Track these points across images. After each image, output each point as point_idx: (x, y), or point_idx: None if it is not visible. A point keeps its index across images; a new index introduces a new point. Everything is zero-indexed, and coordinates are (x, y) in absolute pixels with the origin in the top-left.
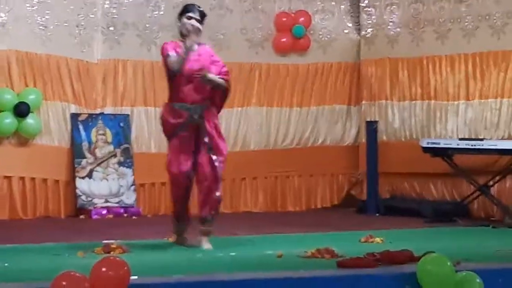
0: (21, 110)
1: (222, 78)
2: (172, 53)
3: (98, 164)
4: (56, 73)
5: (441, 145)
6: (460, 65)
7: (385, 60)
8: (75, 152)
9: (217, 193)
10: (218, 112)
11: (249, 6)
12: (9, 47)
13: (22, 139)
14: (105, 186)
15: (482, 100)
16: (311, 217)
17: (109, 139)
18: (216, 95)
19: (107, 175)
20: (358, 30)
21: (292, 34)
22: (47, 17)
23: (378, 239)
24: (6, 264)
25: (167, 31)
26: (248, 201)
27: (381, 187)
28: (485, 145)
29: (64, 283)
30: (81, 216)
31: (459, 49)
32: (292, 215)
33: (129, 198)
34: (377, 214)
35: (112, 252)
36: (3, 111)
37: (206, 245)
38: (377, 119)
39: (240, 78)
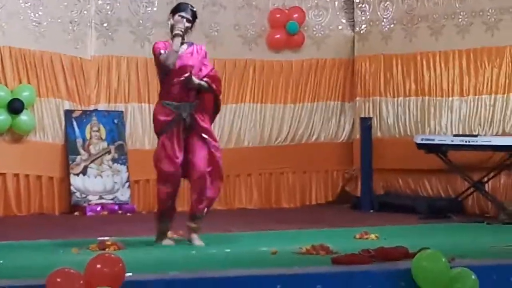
0: (15, 107)
1: (206, 82)
2: (163, 51)
3: (92, 161)
4: (49, 69)
5: (436, 142)
6: (454, 61)
7: (379, 56)
8: (69, 148)
9: (214, 191)
10: (212, 120)
11: (242, 3)
12: (3, 44)
13: (16, 135)
14: (99, 182)
15: (476, 96)
16: (306, 213)
17: (103, 136)
18: (206, 100)
19: (102, 171)
20: (352, 26)
21: (286, 31)
22: (40, 13)
23: (372, 236)
24: (0, 261)
25: (161, 28)
26: (242, 197)
27: (375, 183)
28: (480, 141)
29: (58, 279)
30: (76, 213)
31: (453, 45)
32: (287, 212)
33: (124, 195)
34: (372, 211)
35: (107, 249)
36: None
37: (198, 242)
38: (371, 116)
39: (234, 74)
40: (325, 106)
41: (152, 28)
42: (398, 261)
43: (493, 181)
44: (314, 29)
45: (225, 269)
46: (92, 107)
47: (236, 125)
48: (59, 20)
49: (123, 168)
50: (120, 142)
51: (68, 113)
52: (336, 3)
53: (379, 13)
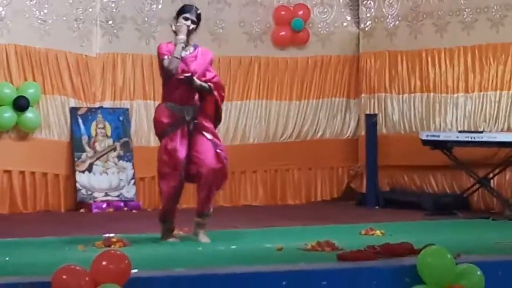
0: (21, 104)
1: (209, 85)
2: (167, 57)
3: (98, 158)
4: (55, 67)
5: (441, 138)
6: (459, 58)
7: (384, 53)
8: (75, 146)
9: (219, 190)
10: (215, 126)
11: (247, 0)
12: (8, 41)
13: (22, 133)
14: (105, 180)
15: (482, 93)
16: (311, 210)
17: (109, 133)
18: (208, 105)
19: (107, 169)
20: (357, 23)
21: (291, 28)
22: (45, 11)
23: (378, 232)
24: (6, 258)
25: (166, 25)
26: (248, 194)
27: (380, 180)
28: (485, 137)
29: (64, 276)
30: (81, 210)
31: (458, 42)
32: (292, 208)
33: (129, 191)
34: (377, 207)
35: (112, 246)
36: (2, 105)
37: (204, 238)
38: (376, 112)
39: (239, 71)
40: (330, 102)
41: (157, 25)
42: (403, 258)
43: (499, 177)
44: (319, 26)
45: (230, 266)
46: (97, 105)
47: (241, 122)
48: (64, 18)
49: (128, 165)
50: (125, 139)
51: (73, 110)
52: (341, 0)
53: (384, 10)
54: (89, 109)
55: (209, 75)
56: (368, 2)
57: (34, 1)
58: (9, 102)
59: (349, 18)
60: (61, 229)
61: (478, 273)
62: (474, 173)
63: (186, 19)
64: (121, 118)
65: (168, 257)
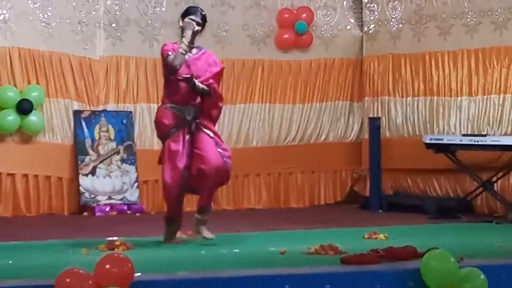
0: (24, 107)
1: (207, 85)
2: (171, 53)
3: (101, 161)
4: (58, 70)
5: (444, 141)
6: (463, 61)
7: (387, 56)
8: (78, 149)
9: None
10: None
11: (251, 3)
12: (12, 44)
13: (25, 136)
14: (108, 183)
15: (485, 96)
16: (315, 213)
17: (112, 136)
18: (207, 107)
19: (110, 172)
20: (361, 26)
21: (295, 31)
22: (49, 14)
23: (381, 236)
24: (10, 261)
25: (169, 28)
26: (251, 197)
27: (384, 183)
28: (488, 141)
29: (67, 280)
30: (85, 213)
31: (462, 45)
32: (295, 212)
33: (133, 195)
34: (380, 211)
35: (116, 249)
36: (6, 108)
37: (207, 233)
38: (379, 115)
39: (242, 74)
40: (333, 106)
41: (161, 28)
42: (407, 261)
43: (502, 181)
44: (323, 29)
45: (233, 269)
46: (101, 108)
47: (244, 125)
48: (68, 21)
49: (132, 168)
50: (129, 142)
51: (77, 113)
52: (345, 3)
53: (387, 13)
54: (93, 112)
55: (210, 80)
56: (372, 5)
57: (38, 4)
58: (13, 105)
59: (352, 21)
60: (64, 232)
61: (482, 276)
62: (478, 176)
63: (191, 20)
64: (124, 121)
65: (171, 261)
